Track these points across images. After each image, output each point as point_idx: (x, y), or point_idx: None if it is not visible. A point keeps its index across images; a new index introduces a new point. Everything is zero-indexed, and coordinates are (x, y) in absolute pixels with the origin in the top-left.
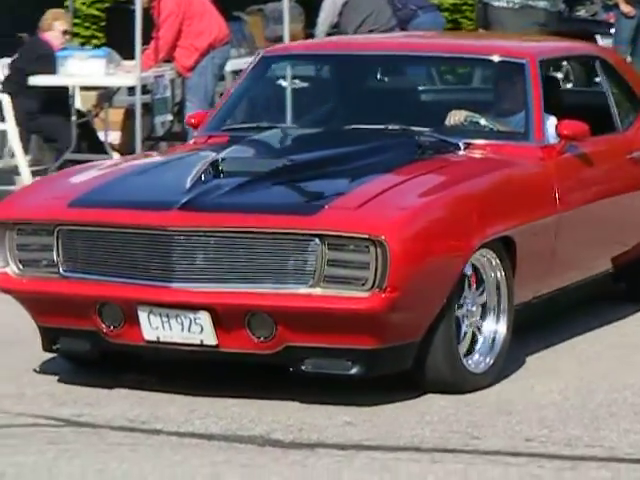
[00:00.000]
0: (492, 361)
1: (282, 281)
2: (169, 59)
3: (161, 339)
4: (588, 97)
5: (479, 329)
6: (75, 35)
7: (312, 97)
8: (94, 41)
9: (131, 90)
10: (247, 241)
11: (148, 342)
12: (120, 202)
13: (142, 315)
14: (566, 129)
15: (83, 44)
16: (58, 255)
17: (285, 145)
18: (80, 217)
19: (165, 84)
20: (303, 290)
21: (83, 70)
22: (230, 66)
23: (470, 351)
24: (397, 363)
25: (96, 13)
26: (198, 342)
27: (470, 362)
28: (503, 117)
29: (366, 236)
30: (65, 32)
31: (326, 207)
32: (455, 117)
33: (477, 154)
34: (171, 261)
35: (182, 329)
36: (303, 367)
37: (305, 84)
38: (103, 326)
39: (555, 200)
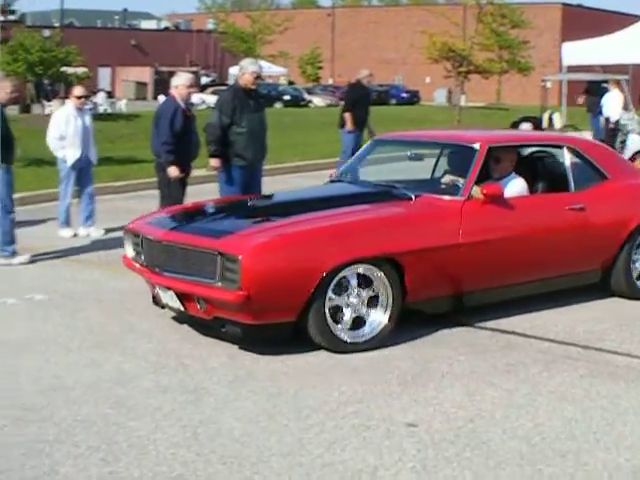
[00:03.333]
0: (369, 337)
1: (206, 277)
2: None
3: (168, 304)
4: (552, 167)
5: (367, 315)
6: None
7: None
8: None
9: None
10: (187, 251)
11: (163, 305)
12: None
13: (158, 290)
14: (485, 189)
15: None
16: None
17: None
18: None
19: None
20: (214, 284)
21: None
22: None
23: (355, 328)
24: (278, 332)
25: None
26: (177, 307)
27: (348, 335)
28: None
29: (232, 255)
30: None
31: (229, 235)
32: (446, 179)
33: (416, 202)
34: (161, 259)
35: (170, 299)
36: (223, 330)
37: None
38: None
39: (457, 234)
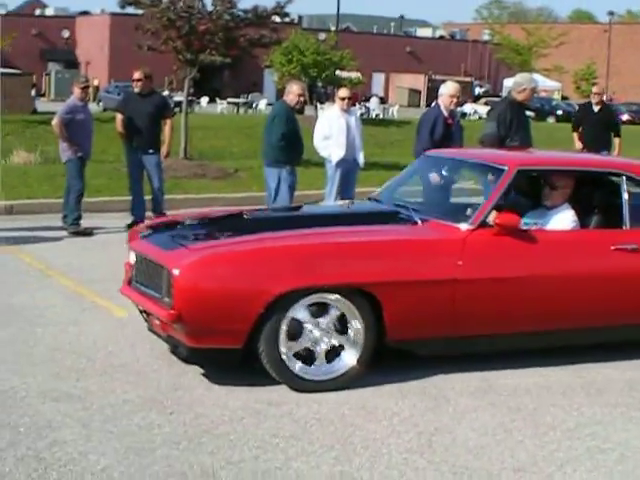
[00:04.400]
0: (328, 378)
1: (156, 292)
2: None
3: None
4: (608, 199)
5: (332, 351)
6: None
7: None
8: None
9: None
10: (147, 263)
11: None
12: None
13: None
14: (498, 218)
15: None
16: None
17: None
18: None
19: None
20: (161, 299)
21: None
22: None
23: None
24: (223, 359)
25: None
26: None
27: (305, 371)
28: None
29: (169, 270)
30: None
31: (179, 249)
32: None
33: (420, 227)
34: (134, 271)
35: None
36: (177, 350)
37: None
38: None
39: (455, 267)
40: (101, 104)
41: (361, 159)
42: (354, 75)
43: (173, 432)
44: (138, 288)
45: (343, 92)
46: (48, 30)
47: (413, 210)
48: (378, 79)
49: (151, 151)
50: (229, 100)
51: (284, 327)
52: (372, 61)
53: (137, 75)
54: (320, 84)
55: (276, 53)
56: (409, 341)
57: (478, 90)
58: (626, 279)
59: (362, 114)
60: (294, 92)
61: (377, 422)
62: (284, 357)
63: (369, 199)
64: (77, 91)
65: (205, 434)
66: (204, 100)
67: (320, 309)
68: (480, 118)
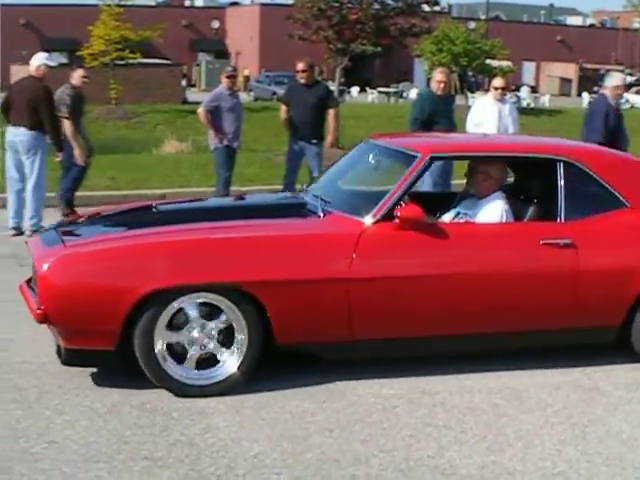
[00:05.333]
0: (216, 380)
1: (34, 289)
2: None
3: None
4: (546, 188)
5: (219, 354)
6: None
7: None
8: None
9: None
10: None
11: None
12: None
13: None
14: (400, 211)
15: None
16: None
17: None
18: None
19: None
20: (35, 297)
21: None
22: None
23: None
24: (99, 361)
25: None
26: None
27: (181, 373)
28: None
29: (36, 268)
30: None
31: (55, 246)
32: None
33: (321, 220)
34: None
35: None
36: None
37: None
38: None
39: (347, 266)
40: (252, 94)
41: None
42: (504, 64)
43: (326, 420)
44: (30, 285)
45: (498, 82)
46: (198, 21)
47: (325, 202)
48: (528, 68)
49: (314, 141)
50: (379, 90)
51: (160, 328)
52: (522, 50)
53: (301, 66)
54: (470, 73)
55: (426, 42)
56: (301, 345)
57: (629, 79)
58: (555, 277)
59: (514, 102)
60: (435, 79)
61: (530, 413)
62: (159, 359)
63: (300, 190)
64: (224, 80)
65: (358, 422)
66: (355, 90)
67: (212, 312)
68: (632, 107)
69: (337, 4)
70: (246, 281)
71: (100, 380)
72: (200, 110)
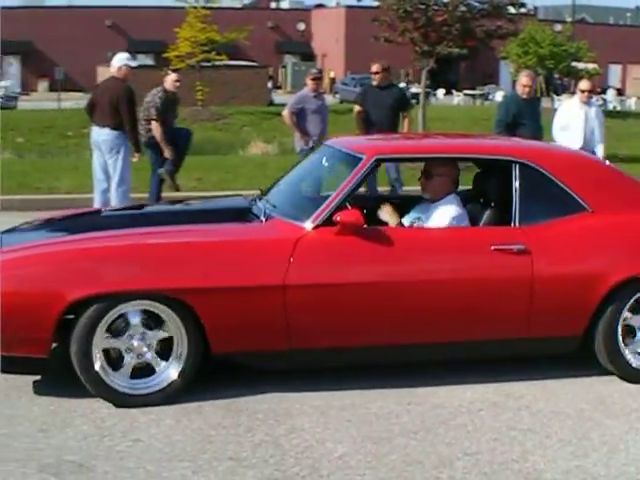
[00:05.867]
0: (154, 390)
1: None
2: None
3: None
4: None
5: (155, 364)
6: None
7: None
8: None
9: None
10: None
11: None
12: None
13: None
14: (339, 216)
15: None
16: None
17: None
18: None
19: None
20: None
21: None
22: None
23: (137, 376)
24: (30, 368)
25: None
26: None
27: (122, 383)
28: None
29: None
30: None
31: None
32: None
33: (262, 225)
34: None
35: None
36: None
37: None
38: None
39: (282, 272)
40: (337, 96)
41: (600, 152)
42: (591, 66)
43: (410, 422)
44: None
45: (584, 84)
46: (283, 23)
47: (271, 207)
48: (614, 71)
49: None
50: (465, 92)
51: (97, 338)
52: (608, 52)
53: (375, 68)
54: (556, 76)
55: (512, 44)
56: (236, 354)
57: None
58: (505, 284)
59: (600, 105)
60: (520, 83)
61: (615, 418)
62: (100, 373)
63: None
64: (309, 82)
65: (442, 425)
66: (440, 92)
67: (153, 321)
68: None
69: (423, 6)
70: (174, 289)
71: None
72: (285, 112)
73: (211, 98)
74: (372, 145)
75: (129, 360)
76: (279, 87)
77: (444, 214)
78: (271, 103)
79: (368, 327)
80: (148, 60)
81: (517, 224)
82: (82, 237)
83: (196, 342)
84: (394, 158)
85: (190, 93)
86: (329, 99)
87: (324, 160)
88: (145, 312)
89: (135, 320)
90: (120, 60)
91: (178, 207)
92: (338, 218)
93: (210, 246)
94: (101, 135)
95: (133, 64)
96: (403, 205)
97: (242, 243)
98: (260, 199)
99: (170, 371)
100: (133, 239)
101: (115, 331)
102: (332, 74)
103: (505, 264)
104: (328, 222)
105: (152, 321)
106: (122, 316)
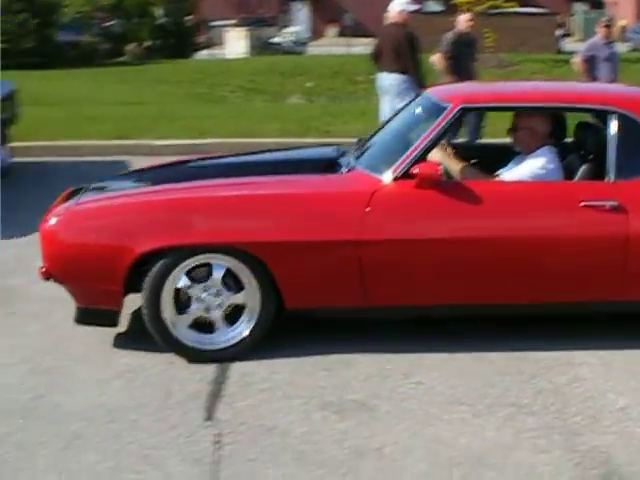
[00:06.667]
0: (219, 347)
1: None
2: None
3: None
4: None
5: (218, 321)
6: None
7: None
8: None
9: None
10: None
11: None
12: None
13: None
14: (418, 167)
15: None
16: None
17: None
18: None
19: None
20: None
21: None
22: None
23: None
24: (105, 319)
25: None
26: None
27: (189, 336)
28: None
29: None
30: None
31: (70, 203)
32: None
33: (341, 177)
34: None
35: None
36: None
37: None
38: None
39: (358, 227)
40: (628, 44)
41: None
42: None
43: None
44: None
45: None
46: None
47: (356, 158)
48: None
49: None
50: None
51: (167, 291)
52: None
53: None
54: None
55: None
56: (312, 310)
57: None
58: (594, 243)
59: None
60: None
61: None
62: (168, 324)
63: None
64: (600, 30)
65: None
66: None
67: (203, 271)
68: None
69: None
70: (247, 242)
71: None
72: (576, 59)
73: (500, 45)
74: (460, 93)
75: (194, 310)
76: (567, 35)
77: (529, 167)
78: (559, 51)
79: (441, 285)
80: (437, 7)
81: (612, 179)
82: (161, 188)
83: (268, 300)
84: (482, 107)
85: (478, 40)
86: (620, 47)
87: (419, 110)
88: (229, 271)
89: (217, 274)
90: (399, 4)
91: (264, 158)
92: (416, 170)
93: (282, 199)
94: (387, 80)
95: (412, 8)
96: (503, 157)
97: (317, 196)
98: (355, 149)
99: (242, 328)
100: (206, 191)
101: (194, 278)
102: (623, 22)
103: (595, 222)
104: (407, 175)
105: (232, 282)
106: (205, 266)
